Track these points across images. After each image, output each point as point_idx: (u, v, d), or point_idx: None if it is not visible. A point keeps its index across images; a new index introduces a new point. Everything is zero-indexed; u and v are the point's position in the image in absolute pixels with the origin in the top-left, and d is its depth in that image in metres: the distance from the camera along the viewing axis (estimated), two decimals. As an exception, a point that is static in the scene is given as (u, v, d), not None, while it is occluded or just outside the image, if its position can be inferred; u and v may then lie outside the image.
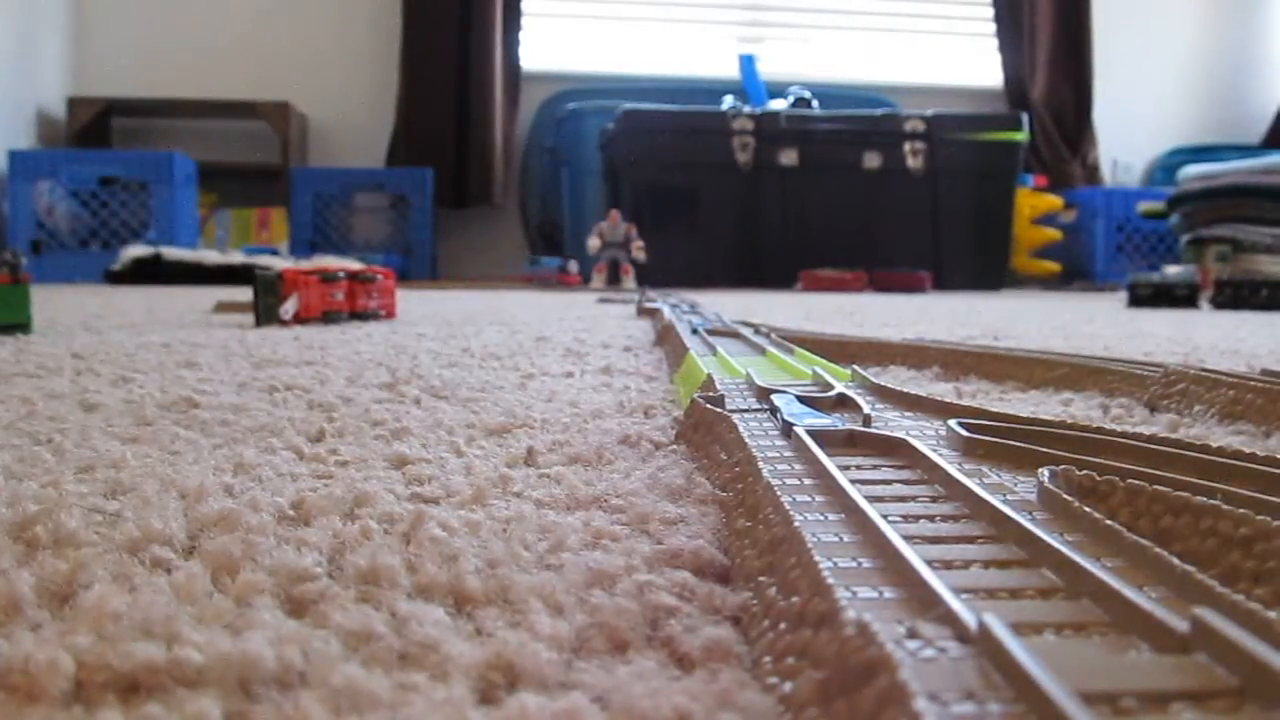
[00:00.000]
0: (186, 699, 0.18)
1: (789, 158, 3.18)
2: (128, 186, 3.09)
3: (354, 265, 1.44)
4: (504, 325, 1.18)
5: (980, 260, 3.26)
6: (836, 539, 0.23)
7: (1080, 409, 0.54)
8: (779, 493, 0.27)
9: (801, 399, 0.42)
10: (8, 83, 3.14)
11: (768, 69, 3.65)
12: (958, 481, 0.27)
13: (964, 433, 0.34)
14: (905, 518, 0.25)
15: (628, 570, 0.24)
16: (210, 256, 2.78)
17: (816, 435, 0.33)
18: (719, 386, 0.48)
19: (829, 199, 3.21)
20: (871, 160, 3.21)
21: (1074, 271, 3.60)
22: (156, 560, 0.25)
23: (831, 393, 0.44)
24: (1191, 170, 2.82)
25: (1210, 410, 0.50)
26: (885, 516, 0.23)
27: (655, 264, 2.89)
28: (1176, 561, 0.20)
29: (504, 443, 0.42)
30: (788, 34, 3.96)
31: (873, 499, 0.25)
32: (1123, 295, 2.29)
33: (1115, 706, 0.14)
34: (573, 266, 2.94)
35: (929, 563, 0.20)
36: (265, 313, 1.10)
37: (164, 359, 0.74)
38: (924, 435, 0.36)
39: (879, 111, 3.32)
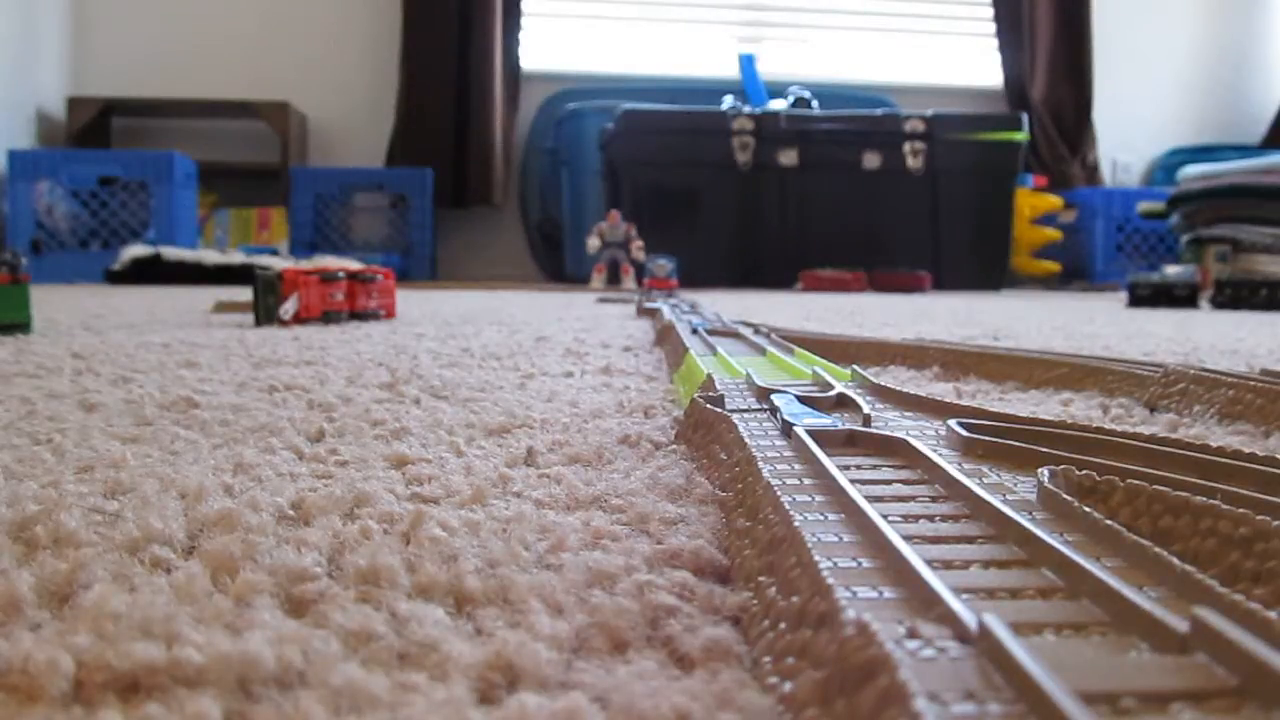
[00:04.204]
0: (186, 699, 0.18)
1: (789, 158, 3.17)
2: (127, 186, 3.09)
3: (354, 265, 1.44)
4: (503, 325, 1.18)
5: (980, 260, 3.26)
6: (836, 539, 0.23)
7: (1080, 409, 0.54)
8: (779, 493, 0.27)
9: (801, 399, 0.42)
10: (8, 83, 3.14)
11: (768, 69, 3.64)
12: (958, 481, 0.27)
13: (964, 433, 0.34)
14: (905, 518, 0.25)
15: (627, 570, 0.24)
16: (210, 256, 2.78)
17: (816, 435, 0.33)
18: (719, 386, 0.48)
19: (829, 199, 3.21)
20: (871, 160, 3.21)
21: (1074, 271, 3.60)
22: (156, 560, 0.25)
23: (831, 393, 0.44)
24: (1191, 170, 2.82)
25: (1210, 410, 0.50)
26: (885, 516, 0.23)
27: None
28: (1176, 561, 0.20)
29: (504, 443, 0.42)
30: (788, 34, 3.96)
31: (873, 499, 0.25)
32: (1123, 295, 2.29)
33: (1115, 706, 0.14)
34: (659, 271, 2.46)
35: (929, 563, 0.20)
36: (265, 313, 1.10)
37: (164, 359, 0.74)
38: (924, 435, 0.36)
39: (879, 111, 3.32)
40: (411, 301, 1.73)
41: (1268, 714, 0.14)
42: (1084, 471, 0.28)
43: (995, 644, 0.16)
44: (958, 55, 4.02)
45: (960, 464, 0.31)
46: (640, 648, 0.20)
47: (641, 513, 0.30)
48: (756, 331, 0.83)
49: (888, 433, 0.34)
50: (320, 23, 3.63)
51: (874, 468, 0.31)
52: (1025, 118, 3.33)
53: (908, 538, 0.22)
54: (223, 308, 1.39)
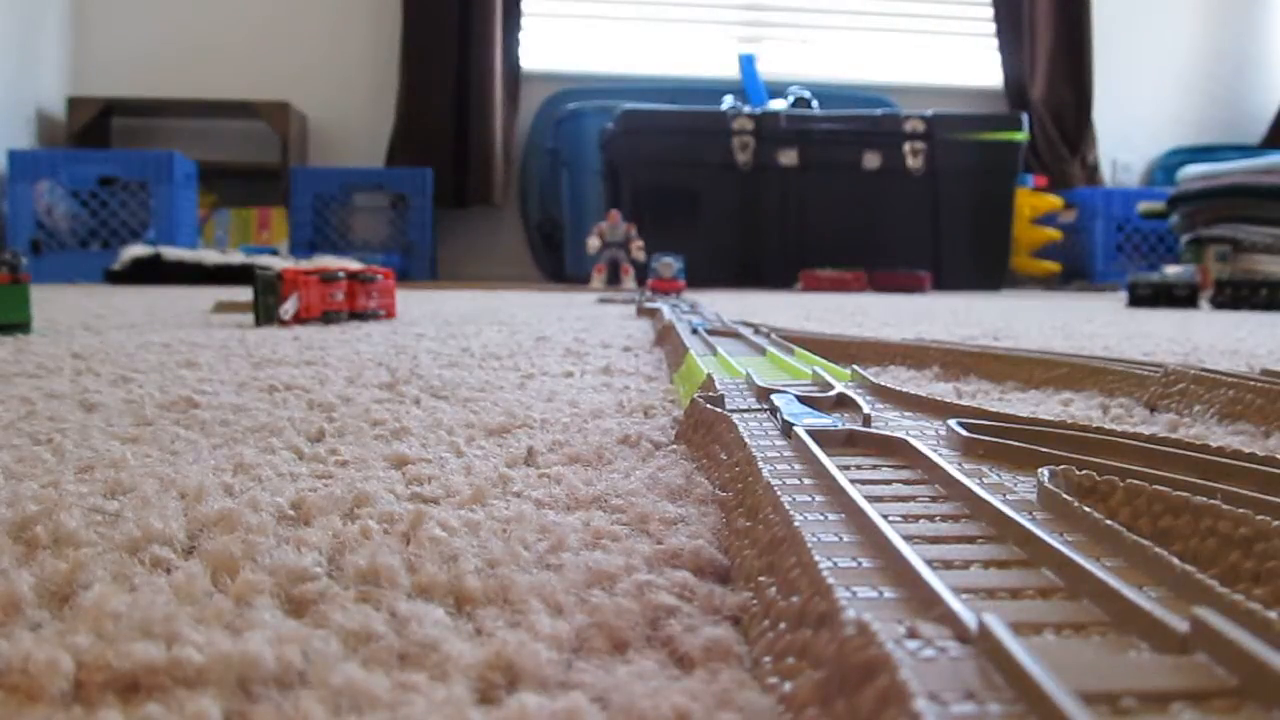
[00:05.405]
0: (186, 699, 0.18)
1: (789, 158, 3.18)
2: (127, 186, 3.09)
3: (354, 265, 1.44)
4: (504, 325, 1.18)
5: (980, 260, 3.26)
6: (836, 539, 0.23)
7: (1080, 409, 0.54)
8: (779, 493, 0.27)
9: (801, 399, 0.42)
10: (8, 83, 3.14)
11: (768, 69, 3.64)
12: (958, 481, 0.27)
13: (964, 432, 0.34)
14: (905, 518, 0.25)
15: (628, 570, 0.24)
16: (210, 256, 2.77)
17: (816, 435, 0.33)
18: (719, 386, 0.48)
19: (829, 199, 3.21)
20: (871, 160, 3.21)
21: (1074, 271, 3.60)
22: (156, 560, 0.25)
23: (831, 393, 0.44)
24: (1191, 170, 2.82)
25: (1210, 410, 0.50)
26: (885, 516, 0.23)
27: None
28: (1176, 561, 0.20)
29: (504, 443, 0.42)
30: (788, 34, 3.96)
31: (872, 499, 0.25)
32: (1123, 295, 2.29)
33: (1115, 706, 0.14)
34: (664, 270, 2.21)
35: (929, 563, 0.20)
36: (265, 313, 1.10)
37: (164, 359, 0.74)
38: (924, 435, 0.36)
39: (879, 111, 3.32)
40: (411, 301, 1.73)
41: (1268, 714, 0.14)
42: (1084, 471, 0.28)
43: (995, 644, 0.16)
44: (958, 55, 4.02)
45: (960, 464, 0.31)
46: (640, 648, 0.20)
47: (641, 513, 0.30)
48: (756, 331, 0.83)
49: (888, 433, 0.34)
50: (320, 23, 3.63)
51: (874, 468, 0.31)
52: (1025, 118, 3.33)
53: (908, 538, 0.22)
54: (223, 308, 1.39)
